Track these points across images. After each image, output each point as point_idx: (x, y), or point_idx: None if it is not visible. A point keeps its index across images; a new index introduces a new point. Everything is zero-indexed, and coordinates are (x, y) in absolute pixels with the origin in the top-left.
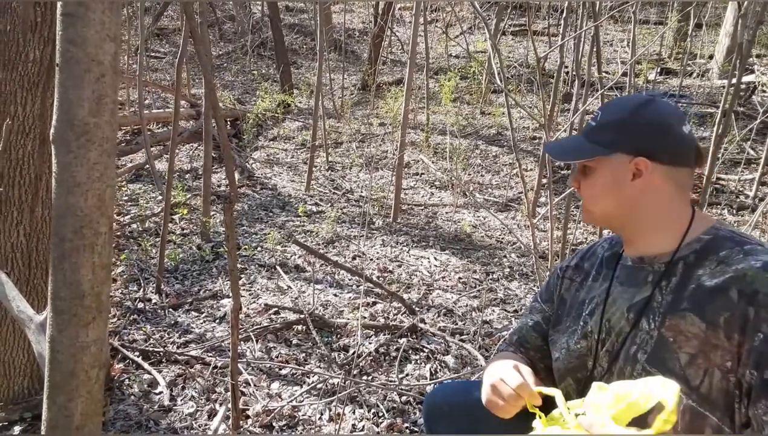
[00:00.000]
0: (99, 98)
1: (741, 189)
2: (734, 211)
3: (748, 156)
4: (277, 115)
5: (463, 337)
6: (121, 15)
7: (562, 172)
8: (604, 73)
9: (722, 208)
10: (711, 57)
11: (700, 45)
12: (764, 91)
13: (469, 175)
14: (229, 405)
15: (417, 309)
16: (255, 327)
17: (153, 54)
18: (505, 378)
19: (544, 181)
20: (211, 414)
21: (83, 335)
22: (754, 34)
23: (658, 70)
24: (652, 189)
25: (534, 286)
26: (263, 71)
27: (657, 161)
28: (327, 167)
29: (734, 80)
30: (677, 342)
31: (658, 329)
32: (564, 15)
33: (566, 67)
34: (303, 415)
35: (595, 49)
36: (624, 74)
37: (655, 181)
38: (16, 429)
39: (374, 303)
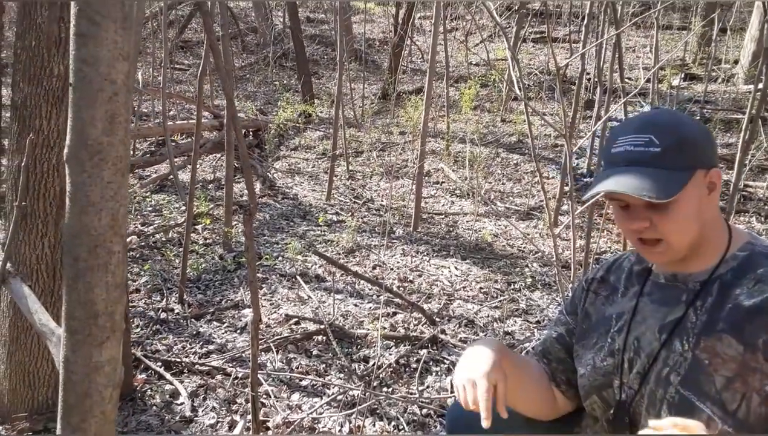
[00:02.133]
0: (112, 117)
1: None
2: (762, 219)
3: None
4: (298, 124)
5: None
6: (133, 34)
7: (585, 180)
8: (627, 80)
9: (750, 215)
10: (736, 62)
11: (724, 50)
12: None
13: (490, 183)
14: (250, 416)
15: (438, 320)
16: (275, 338)
17: (177, 66)
18: (477, 382)
19: (566, 189)
20: (232, 425)
21: (97, 354)
22: None
23: (682, 76)
24: (716, 199)
25: (557, 296)
26: (285, 82)
27: (717, 168)
28: (347, 176)
29: (761, 85)
30: (713, 365)
31: (693, 351)
32: (585, 22)
33: (588, 73)
34: (323, 427)
35: (617, 56)
36: (647, 81)
37: (719, 190)
38: None
39: (394, 313)
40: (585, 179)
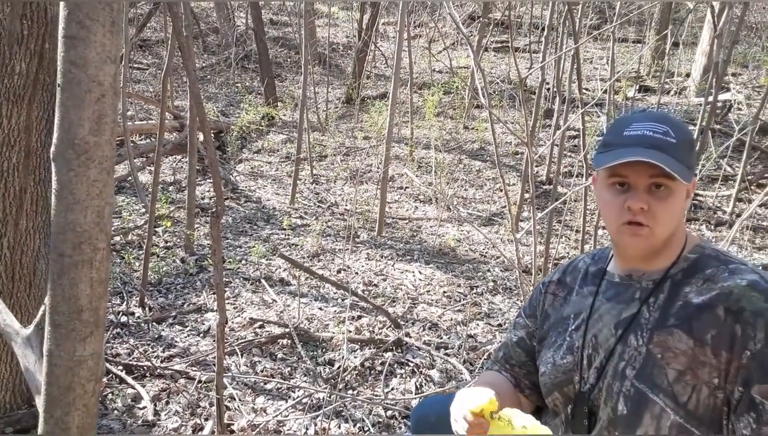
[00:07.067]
0: (99, 118)
1: (718, 205)
2: (712, 227)
3: (725, 173)
4: (261, 127)
5: (447, 351)
6: (120, 37)
7: (545, 187)
8: (584, 91)
9: (700, 224)
10: (688, 75)
11: (677, 63)
12: (740, 109)
13: (453, 189)
14: (215, 420)
15: (402, 323)
16: (240, 341)
17: (136, 65)
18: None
19: (527, 196)
20: (196, 429)
21: (81, 349)
22: (730, 53)
23: (637, 88)
24: (688, 205)
25: (517, 300)
26: (247, 84)
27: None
28: (312, 180)
29: (711, 98)
30: (665, 358)
31: (646, 345)
32: (545, 33)
33: (547, 83)
34: (288, 430)
35: (575, 67)
36: (604, 92)
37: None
38: None
39: (359, 317)
40: (545, 186)
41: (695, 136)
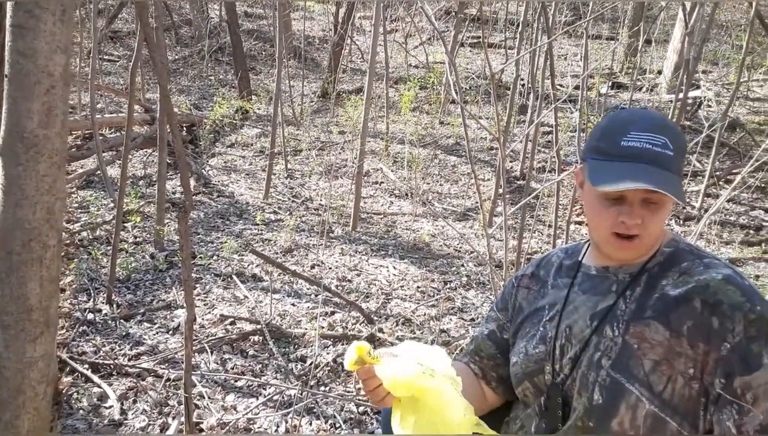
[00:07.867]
0: (49, 110)
1: (687, 200)
2: (681, 222)
3: (694, 169)
4: (234, 121)
5: None
6: (72, 27)
7: (518, 182)
8: (558, 87)
9: (669, 218)
10: (660, 72)
11: (649, 60)
12: (710, 106)
13: (428, 184)
14: (183, 419)
15: (375, 318)
16: (210, 338)
17: (106, 57)
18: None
19: (500, 191)
20: (164, 428)
21: (30, 350)
22: (700, 51)
23: (610, 84)
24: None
25: (490, 295)
26: (221, 77)
27: None
28: (286, 175)
29: (681, 95)
30: (641, 349)
31: (623, 336)
32: (520, 29)
33: (522, 79)
34: (259, 427)
35: (549, 63)
36: (576, 88)
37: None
38: None
39: (332, 312)
40: (518, 182)
41: None
